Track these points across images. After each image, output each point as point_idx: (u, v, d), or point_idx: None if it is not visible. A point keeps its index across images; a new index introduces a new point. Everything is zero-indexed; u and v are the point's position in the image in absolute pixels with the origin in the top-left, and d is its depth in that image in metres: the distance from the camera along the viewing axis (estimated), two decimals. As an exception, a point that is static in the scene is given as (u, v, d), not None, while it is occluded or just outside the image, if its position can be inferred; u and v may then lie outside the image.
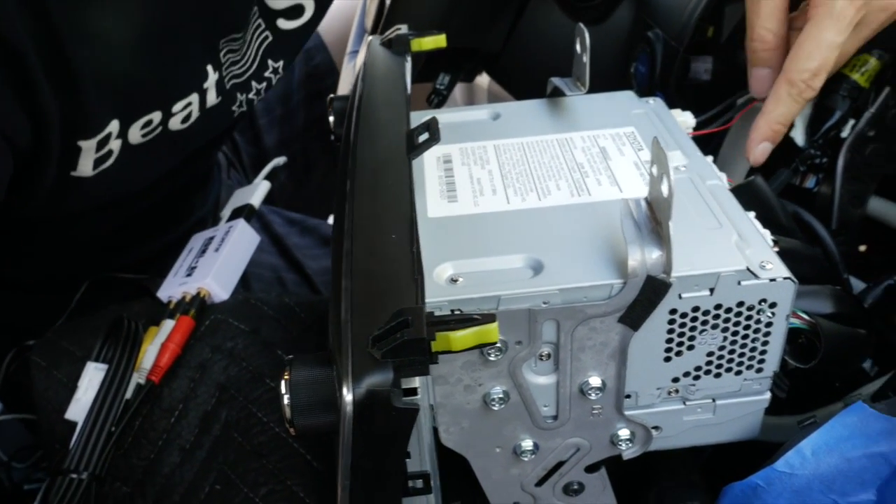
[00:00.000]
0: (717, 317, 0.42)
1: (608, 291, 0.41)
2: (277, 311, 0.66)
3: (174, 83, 0.61)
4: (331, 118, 0.58)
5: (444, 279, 0.42)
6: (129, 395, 0.59)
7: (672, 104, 0.65)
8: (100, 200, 0.65)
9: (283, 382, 0.36)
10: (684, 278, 0.40)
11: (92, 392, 0.58)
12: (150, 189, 0.69)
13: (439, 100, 0.80)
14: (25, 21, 0.49)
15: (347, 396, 0.31)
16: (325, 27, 1.03)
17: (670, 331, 0.42)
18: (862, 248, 0.75)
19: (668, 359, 0.43)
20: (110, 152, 0.60)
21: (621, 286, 0.40)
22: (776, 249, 0.48)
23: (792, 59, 0.54)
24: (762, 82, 0.58)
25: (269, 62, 0.69)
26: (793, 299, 0.42)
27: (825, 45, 0.53)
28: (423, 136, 0.47)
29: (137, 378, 0.60)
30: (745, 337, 0.43)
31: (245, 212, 0.73)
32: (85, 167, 0.58)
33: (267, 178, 0.79)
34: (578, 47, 0.55)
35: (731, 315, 0.42)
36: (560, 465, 0.47)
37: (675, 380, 0.44)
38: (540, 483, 0.47)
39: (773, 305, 0.42)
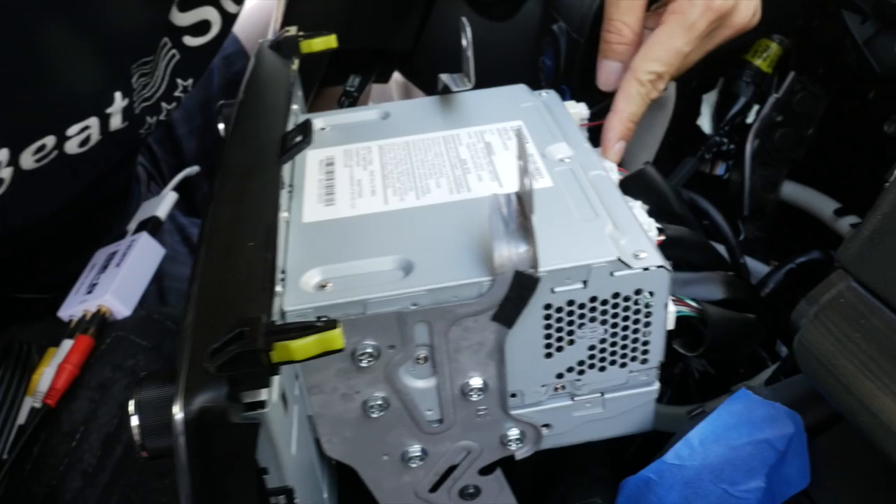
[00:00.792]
0: (593, 309, 0.41)
1: (478, 290, 0.39)
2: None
3: (66, 107, 0.59)
4: (220, 125, 0.57)
5: (313, 285, 0.41)
6: (22, 420, 0.57)
7: (577, 97, 0.65)
8: (2, 228, 0.63)
9: (131, 403, 0.34)
10: (555, 272, 0.40)
11: (-18, 419, 0.56)
12: (60, 210, 0.67)
13: (350, 102, 0.79)
14: None
15: (178, 415, 0.30)
16: (245, 33, 1.01)
17: (547, 326, 0.41)
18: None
19: (549, 355, 0.42)
20: (1, 181, 0.58)
21: (490, 283, 0.39)
22: (662, 238, 0.47)
23: (640, 58, 0.54)
24: (612, 75, 0.58)
25: (179, 81, 0.67)
26: (669, 287, 0.41)
27: (673, 51, 0.54)
28: (298, 139, 0.46)
29: (33, 402, 0.58)
30: (625, 328, 0.42)
31: (150, 224, 0.71)
32: None
33: (179, 188, 0.77)
34: (464, 41, 0.54)
35: (608, 307, 0.41)
36: (452, 469, 0.46)
37: (560, 376, 0.43)
38: (434, 489, 0.46)
39: (649, 295, 0.41)
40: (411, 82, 0.88)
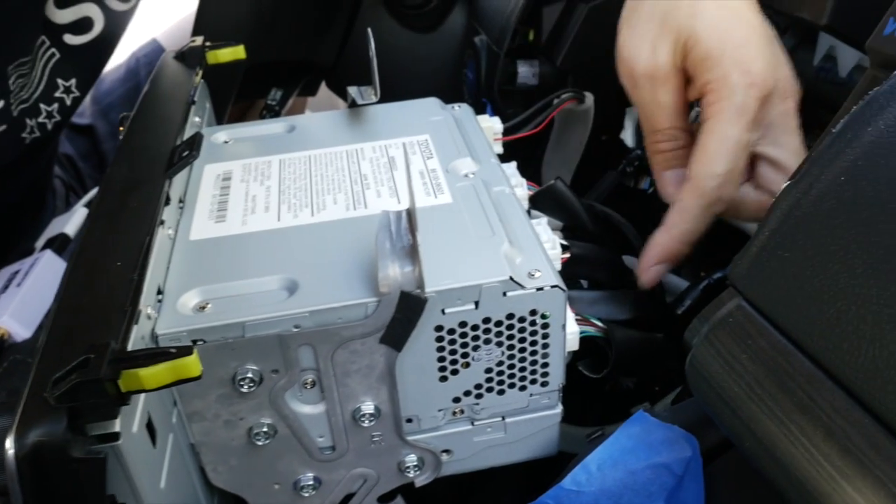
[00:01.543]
0: (488, 331, 0.40)
1: (363, 311, 0.38)
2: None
3: None
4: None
5: (191, 307, 0.38)
6: None
7: (497, 109, 0.64)
8: None
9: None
10: (444, 292, 0.38)
11: None
12: None
13: (272, 115, 0.77)
14: None
15: (10, 450, 0.28)
16: (172, 44, 0.98)
17: (440, 349, 0.40)
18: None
19: (444, 378, 0.41)
20: None
21: (376, 305, 0.38)
22: (567, 256, 0.46)
23: (697, 164, 0.45)
24: (678, 184, 0.48)
25: (59, 81, 0.64)
26: (565, 308, 0.40)
27: (732, 142, 0.45)
28: (185, 153, 0.44)
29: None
30: (522, 350, 0.41)
31: (57, 242, 0.68)
32: None
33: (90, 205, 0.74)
34: (370, 53, 0.52)
35: (502, 329, 0.40)
36: (349, 497, 0.44)
37: (457, 400, 0.42)
38: (331, 518, 0.44)
39: (545, 316, 0.40)
40: (337, 94, 0.87)
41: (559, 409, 0.44)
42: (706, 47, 0.46)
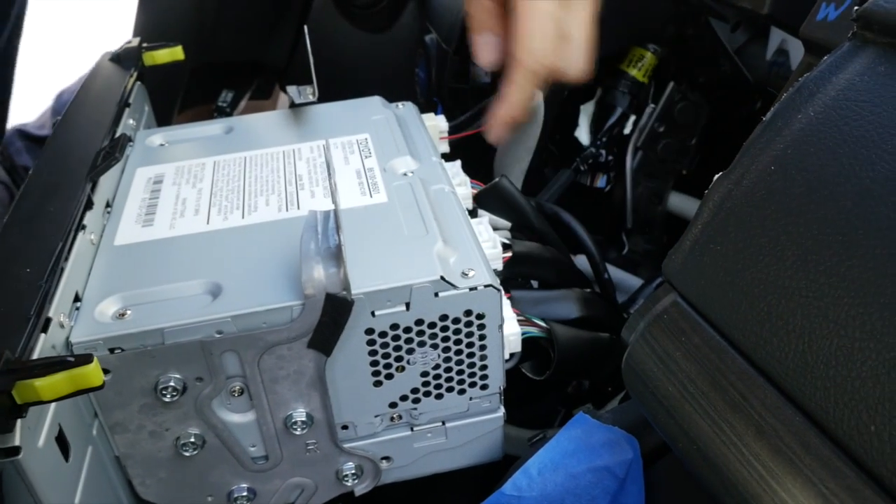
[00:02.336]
0: (421, 333, 0.38)
1: (288, 315, 0.36)
2: None
3: None
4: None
5: (110, 314, 0.37)
6: None
7: (448, 108, 0.62)
8: None
9: None
10: (372, 294, 0.37)
11: None
12: None
13: (223, 118, 0.75)
14: None
15: None
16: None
17: (372, 352, 0.38)
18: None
19: (378, 383, 0.39)
20: None
21: (301, 308, 0.36)
22: (509, 255, 0.45)
23: (519, 39, 0.49)
24: (489, 48, 0.52)
25: None
26: (500, 308, 0.39)
27: (546, 18, 0.49)
28: (109, 155, 0.42)
29: None
30: (459, 353, 0.39)
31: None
32: None
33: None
34: (308, 51, 0.51)
35: (437, 330, 0.38)
36: (287, 508, 0.43)
37: (394, 405, 0.40)
38: (268, 530, 0.43)
39: (480, 316, 0.38)
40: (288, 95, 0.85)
41: (501, 412, 0.42)
42: None
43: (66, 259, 0.37)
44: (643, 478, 0.38)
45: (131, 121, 0.52)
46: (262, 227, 0.42)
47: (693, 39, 0.66)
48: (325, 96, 0.57)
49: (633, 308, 0.55)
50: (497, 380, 0.41)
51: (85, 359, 0.28)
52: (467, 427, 0.42)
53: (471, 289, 0.38)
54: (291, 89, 0.53)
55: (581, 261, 0.54)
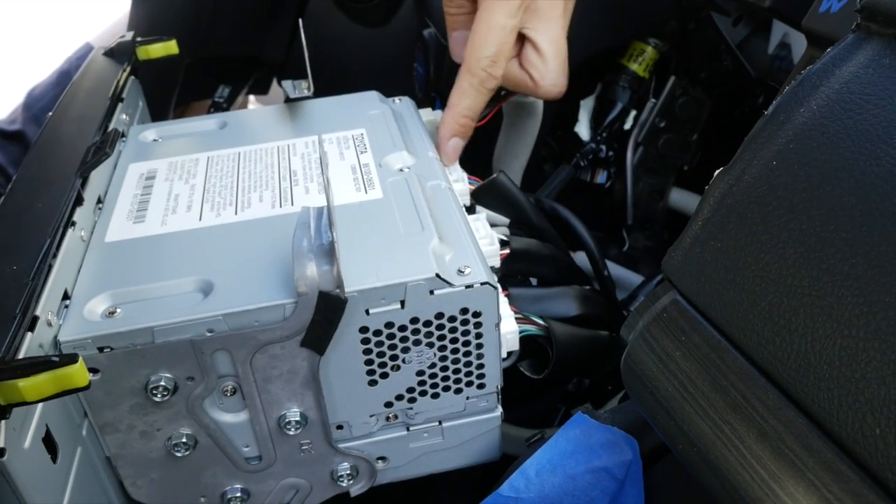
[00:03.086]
0: (416, 332, 0.38)
1: (281, 313, 0.36)
2: None
3: None
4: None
5: (100, 312, 0.36)
6: None
7: (446, 103, 0.61)
8: None
9: None
10: (366, 291, 0.36)
11: None
12: None
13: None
14: None
15: None
16: (107, 42, 0.96)
17: (367, 351, 0.38)
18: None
19: (373, 382, 0.39)
20: None
21: (294, 306, 0.35)
22: (506, 252, 0.44)
23: (469, 47, 0.50)
24: (461, 46, 0.52)
25: None
26: (497, 306, 0.38)
27: (498, 28, 0.49)
28: (99, 151, 0.41)
29: None
30: (455, 351, 0.39)
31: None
32: None
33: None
34: (303, 45, 0.50)
35: (432, 329, 0.38)
36: (281, 509, 0.42)
37: (389, 404, 0.40)
38: (262, 531, 0.42)
39: (476, 314, 0.38)
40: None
41: (499, 411, 0.42)
42: None
43: (55, 256, 0.36)
44: (643, 479, 0.37)
45: (124, 116, 0.51)
46: (255, 223, 0.41)
47: (694, 34, 0.65)
48: (322, 91, 0.57)
49: (634, 305, 0.54)
50: (494, 379, 0.40)
51: (70, 359, 0.28)
52: (464, 427, 0.42)
53: (467, 286, 0.37)
54: (287, 84, 0.52)
55: (581, 258, 0.54)
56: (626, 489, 0.37)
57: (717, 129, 0.71)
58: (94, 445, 0.37)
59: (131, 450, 0.38)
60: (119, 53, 0.54)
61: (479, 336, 0.39)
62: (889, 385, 0.24)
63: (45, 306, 0.34)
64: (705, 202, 0.32)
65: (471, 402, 0.41)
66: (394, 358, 0.38)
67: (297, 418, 0.39)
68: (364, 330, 0.37)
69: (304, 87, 0.51)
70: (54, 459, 0.33)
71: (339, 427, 0.40)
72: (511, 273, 0.46)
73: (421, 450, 0.42)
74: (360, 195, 0.43)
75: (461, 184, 0.48)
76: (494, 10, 0.49)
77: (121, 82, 0.50)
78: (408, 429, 0.41)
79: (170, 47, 0.54)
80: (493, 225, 0.47)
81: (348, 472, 0.41)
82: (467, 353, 0.39)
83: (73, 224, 0.39)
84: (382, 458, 0.42)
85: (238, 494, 0.41)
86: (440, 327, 0.38)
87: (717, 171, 0.33)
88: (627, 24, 0.63)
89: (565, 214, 0.52)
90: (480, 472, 0.51)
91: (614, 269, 0.63)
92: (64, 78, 0.80)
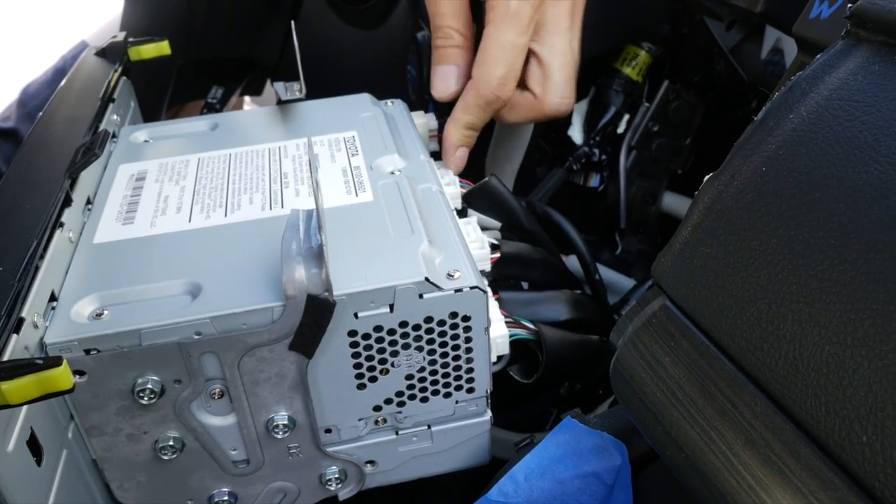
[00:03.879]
0: (406, 335, 0.37)
1: (269, 316, 0.35)
2: None
3: None
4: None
5: (87, 314, 0.36)
6: None
7: (438, 106, 0.61)
8: None
9: None
10: (355, 295, 0.36)
11: None
12: None
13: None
14: None
15: None
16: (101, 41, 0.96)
17: (356, 355, 0.37)
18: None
19: (362, 386, 0.39)
20: None
21: (282, 309, 0.35)
22: (497, 255, 0.44)
23: (478, 66, 0.50)
24: (446, 80, 0.53)
25: None
26: (486, 310, 0.38)
27: (509, 47, 0.49)
28: (89, 152, 0.41)
29: None
30: (444, 355, 0.39)
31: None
32: None
33: None
34: (295, 47, 0.50)
35: (421, 333, 0.38)
36: (269, 513, 0.42)
37: (378, 408, 0.40)
38: (250, 535, 0.42)
39: (466, 319, 0.38)
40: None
41: (488, 416, 0.42)
42: None
43: (42, 257, 0.36)
44: (632, 484, 0.37)
45: (115, 116, 0.51)
46: (245, 225, 0.41)
47: (688, 38, 0.65)
48: (315, 93, 0.56)
49: (625, 309, 0.54)
50: (484, 383, 0.40)
51: (54, 361, 0.28)
52: (453, 431, 0.42)
53: (456, 290, 0.37)
54: (278, 85, 0.52)
55: (572, 261, 0.54)
56: (616, 494, 0.37)
57: (710, 134, 0.71)
58: (80, 448, 0.37)
59: (118, 453, 0.38)
60: (110, 54, 0.53)
61: (468, 340, 0.38)
62: (876, 393, 0.24)
63: (32, 308, 0.34)
64: (695, 207, 0.32)
65: (460, 406, 0.41)
66: (383, 362, 0.38)
67: (285, 422, 0.38)
68: (353, 333, 0.37)
69: (297, 89, 0.51)
70: (39, 462, 0.33)
71: (328, 431, 0.40)
72: (502, 277, 0.46)
73: (410, 454, 0.42)
74: (350, 198, 0.43)
75: (453, 187, 0.48)
76: (504, 27, 0.49)
77: (112, 83, 0.50)
78: (397, 433, 0.41)
79: (162, 48, 0.54)
80: (484, 228, 0.47)
81: (337, 475, 0.41)
82: (457, 357, 0.39)
83: (62, 225, 0.39)
84: (371, 462, 0.42)
85: (225, 498, 0.40)
86: (429, 331, 0.38)
87: (706, 177, 0.33)
88: (621, 28, 0.63)
89: (557, 218, 0.52)
90: (470, 476, 0.51)
91: (606, 273, 0.63)
92: (59, 76, 0.80)
